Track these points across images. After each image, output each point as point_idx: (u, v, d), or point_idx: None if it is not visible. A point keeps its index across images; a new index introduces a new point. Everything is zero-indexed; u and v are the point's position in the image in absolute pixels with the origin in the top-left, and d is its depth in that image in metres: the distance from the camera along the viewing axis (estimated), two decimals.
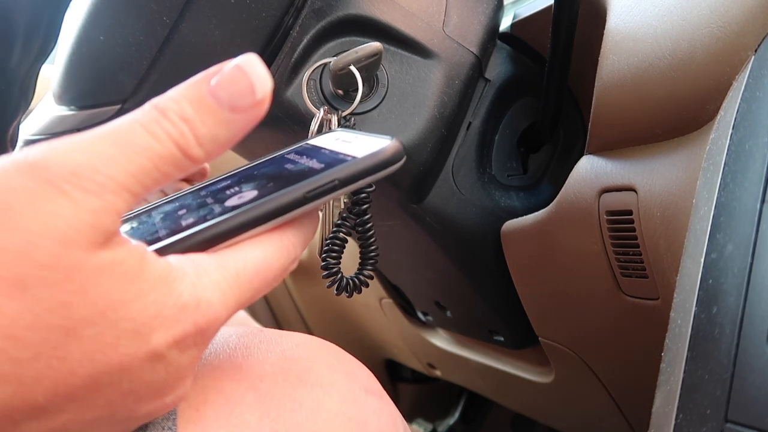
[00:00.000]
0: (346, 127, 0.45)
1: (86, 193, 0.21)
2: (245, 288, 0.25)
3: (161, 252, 0.24)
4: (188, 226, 0.25)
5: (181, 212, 0.28)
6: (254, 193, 0.27)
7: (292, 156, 0.31)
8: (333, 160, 0.28)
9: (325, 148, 0.31)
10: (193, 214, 0.27)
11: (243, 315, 0.73)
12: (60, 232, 0.20)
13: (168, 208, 0.29)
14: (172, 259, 0.24)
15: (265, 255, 0.26)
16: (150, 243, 0.25)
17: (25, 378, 0.21)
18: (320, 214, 0.41)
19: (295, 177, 0.27)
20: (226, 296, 0.24)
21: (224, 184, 0.30)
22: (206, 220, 0.25)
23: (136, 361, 0.22)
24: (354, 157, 0.27)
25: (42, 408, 0.21)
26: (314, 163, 0.28)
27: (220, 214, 0.25)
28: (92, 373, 0.21)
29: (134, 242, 0.23)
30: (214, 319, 0.24)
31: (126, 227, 0.28)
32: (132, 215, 0.29)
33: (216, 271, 0.24)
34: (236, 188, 0.28)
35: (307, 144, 0.33)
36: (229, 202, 0.27)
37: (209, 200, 0.28)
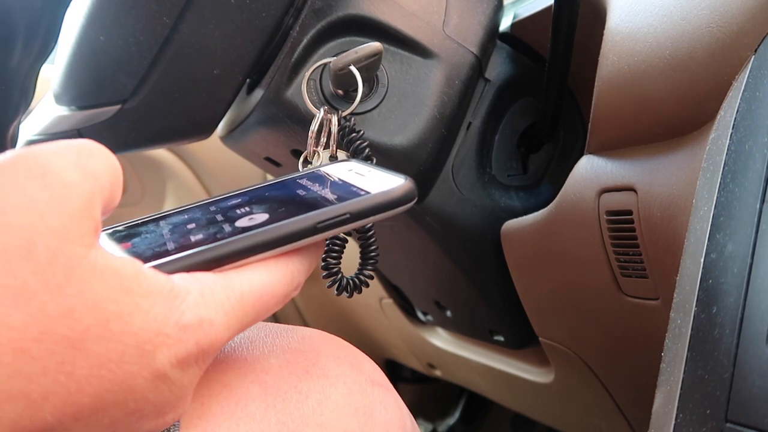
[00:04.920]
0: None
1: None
2: (248, 310, 0.25)
3: (168, 267, 0.24)
4: (197, 243, 0.25)
5: (190, 226, 0.28)
6: (265, 216, 0.27)
7: (304, 182, 0.32)
8: (346, 192, 0.28)
9: (338, 179, 0.31)
10: (202, 230, 0.27)
11: None
12: (56, 224, 0.20)
13: (177, 219, 0.29)
14: (177, 277, 0.24)
15: (271, 279, 0.26)
16: (157, 254, 0.25)
17: (34, 395, 0.20)
18: None
19: (306, 205, 0.27)
20: (228, 317, 0.24)
21: (235, 202, 0.30)
22: (216, 239, 0.25)
23: (141, 380, 0.22)
24: (367, 192, 0.28)
25: (50, 427, 0.21)
26: (327, 193, 0.29)
27: (230, 235, 0.26)
28: (99, 391, 0.21)
29: (129, 256, 0.23)
30: (215, 339, 0.23)
31: (133, 236, 0.28)
32: (139, 222, 0.29)
33: (221, 291, 0.24)
34: (247, 208, 0.28)
35: (319, 171, 0.34)
36: (240, 223, 0.27)
37: (219, 217, 0.28)
